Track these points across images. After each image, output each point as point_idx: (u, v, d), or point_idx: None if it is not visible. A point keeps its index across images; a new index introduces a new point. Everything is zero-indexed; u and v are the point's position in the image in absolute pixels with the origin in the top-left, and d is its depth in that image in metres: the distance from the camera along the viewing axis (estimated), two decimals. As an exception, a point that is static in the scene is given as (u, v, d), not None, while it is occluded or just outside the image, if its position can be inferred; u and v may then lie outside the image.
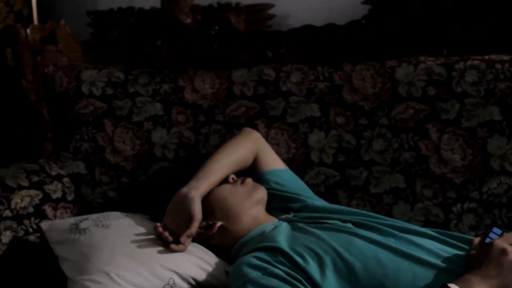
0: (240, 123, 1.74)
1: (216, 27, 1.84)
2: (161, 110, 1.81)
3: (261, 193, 1.46)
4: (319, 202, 1.55)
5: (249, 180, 1.48)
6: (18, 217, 1.63)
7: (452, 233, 1.33)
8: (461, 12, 1.67)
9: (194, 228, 1.34)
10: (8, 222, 1.60)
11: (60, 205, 1.75)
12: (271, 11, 1.86)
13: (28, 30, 1.85)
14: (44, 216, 1.69)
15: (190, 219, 1.35)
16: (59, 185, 1.77)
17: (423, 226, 1.44)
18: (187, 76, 1.82)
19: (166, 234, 1.35)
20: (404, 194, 1.62)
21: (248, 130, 1.66)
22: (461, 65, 1.61)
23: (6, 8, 2.10)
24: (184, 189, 1.40)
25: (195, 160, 1.76)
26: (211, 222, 1.41)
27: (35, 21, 2.15)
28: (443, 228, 1.46)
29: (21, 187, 1.67)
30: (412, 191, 1.61)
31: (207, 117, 1.78)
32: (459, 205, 1.57)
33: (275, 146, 1.70)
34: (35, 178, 1.72)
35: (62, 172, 1.81)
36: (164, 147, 1.79)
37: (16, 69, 1.88)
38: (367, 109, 1.66)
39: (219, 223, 1.40)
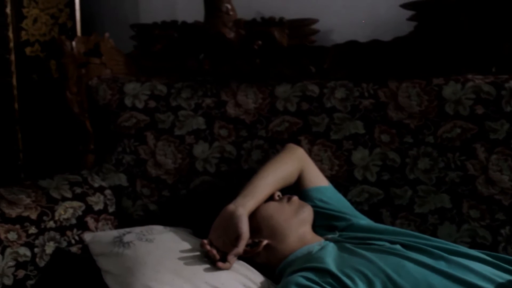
0: (283, 139, 1.73)
1: (259, 41, 1.84)
2: (203, 124, 1.81)
3: (308, 212, 1.45)
4: (364, 221, 1.53)
5: (295, 198, 1.47)
6: (61, 228, 1.65)
7: (505, 256, 1.30)
8: (510, 29, 1.64)
9: (241, 247, 1.33)
10: (52, 233, 1.62)
11: (101, 216, 1.76)
12: (315, 26, 1.85)
13: (73, 43, 1.87)
14: (86, 228, 1.71)
15: (237, 237, 1.34)
16: (101, 197, 1.78)
17: (469, 248, 1.41)
18: (230, 90, 1.82)
19: (214, 251, 1.34)
20: (450, 215, 1.59)
21: (293, 146, 1.65)
22: (511, 83, 1.58)
23: (52, 20, 2.13)
24: (231, 206, 1.39)
25: (236, 175, 1.76)
26: (257, 240, 1.40)
27: (79, 33, 2.18)
28: (490, 251, 1.43)
29: (64, 199, 1.69)
30: (458, 212, 1.58)
31: (249, 132, 1.78)
32: (507, 227, 1.53)
33: (318, 162, 1.68)
34: (78, 190, 1.74)
35: (104, 184, 1.82)
36: (205, 161, 1.79)
37: (60, 81, 1.90)
38: (413, 127, 1.64)
39: (265, 242, 1.39)
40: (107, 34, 1.94)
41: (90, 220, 1.72)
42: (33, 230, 1.57)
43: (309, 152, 1.69)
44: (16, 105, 2.02)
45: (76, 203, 1.70)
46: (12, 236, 1.52)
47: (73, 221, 1.68)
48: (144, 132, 1.84)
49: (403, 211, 1.63)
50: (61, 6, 2.16)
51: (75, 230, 1.68)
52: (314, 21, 1.85)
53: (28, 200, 1.61)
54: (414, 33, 1.71)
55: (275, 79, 1.82)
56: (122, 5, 2.31)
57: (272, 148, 1.74)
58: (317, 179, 1.61)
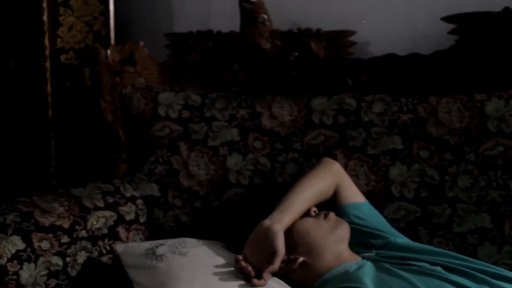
0: (319, 153, 1.70)
1: (296, 53, 1.82)
2: (237, 135, 1.79)
3: (345, 230, 1.41)
4: (401, 239, 1.49)
5: (332, 215, 1.43)
6: (93, 238, 1.64)
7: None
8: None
9: (277, 264, 1.30)
10: (84, 243, 1.61)
11: (132, 227, 1.75)
12: (352, 38, 1.82)
13: (108, 51, 1.87)
14: (117, 238, 1.70)
15: (272, 254, 1.31)
16: (133, 207, 1.77)
17: (511, 270, 1.37)
18: (265, 102, 1.80)
19: (249, 268, 1.31)
20: (491, 235, 1.54)
21: (329, 160, 1.61)
22: (556, 101, 1.53)
23: (87, 28, 2.13)
24: (267, 222, 1.36)
25: (270, 188, 1.74)
26: (292, 257, 1.37)
27: (112, 41, 2.18)
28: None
29: (97, 208, 1.68)
30: (499, 232, 1.53)
31: (284, 145, 1.75)
32: (552, 250, 1.49)
33: (354, 177, 1.64)
34: (110, 199, 1.73)
35: (136, 193, 1.80)
36: (239, 173, 1.77)
37: (94, 89, 1.90)
38: (453, 144, 1.60)
39: (301, 259, 1.36)
40: (141, 43, 1.94)
41: (121, 230, 1.71)
42: (65, 239, 1.56)
43: (345, 167, 1.66)
44: (50, 112, 2.02)
45: (108, 213, 1.69)
46: (45, 245, 1.51)
47: (105, 231, 1.67)
48: (177, 143, 1.82)
49: (441, 230, 1.58)
50: (96, 14, 2.17)
51: (106, 240, 1.67)
52: (352, 33, 1.82)
53: (61, 209, 1.60)
54: (455, 47, 1.67)
55: (311, 91, 1.80)
56: (155, 13, 2.31)
57: (307, 162, 1.71)
58: (353, 195, 1.58)
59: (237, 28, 1.89)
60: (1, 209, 1.53)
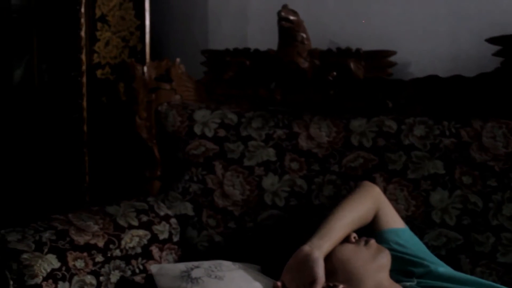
0: (357, 176, 1.67)
1: (334, 72, 1.79)
2: (273, 156, 1.76)
3: (387, 258, 1.37)
4: (443, 268, 1.45)
5: (373, 242, 1.39)
6: (127, 257, 1.62)
7: None
8: None
9: (317, 292, 1.27)
10: (118, 262, 1.60)
11: (166, 246, 1.73)
12: (392, 58, 1.78)
13: (144, 68, 1.86)
14: (151, 257, 1.68)
15: (312, 282, 1.28)
16: (167, 226, 1.75)
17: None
18: (302, 122, 1.77)
19: (288, 296, 1.28)
20: (537, 266, 1.49)
21: (368, 184, 1.57)
22: None
23: (123, 43, 2.13)
24: (306, 248, 1.33)
25: (306, 210, 1.70)
26: (331, 284, 1.33)
27: (148, 56, 2.17)
28: None
29: (131, 227, 1.66)
30: (548, 263, 1.48)
31: (321, 166, 1.72)
32: None
33: (393, 202, 1.60)
34: (144, 218, 1.71)
35: (169, 212, 1.79)
36: (275, 194, 1.74)
37: (129, 105, 1.89)
38: (498, 170, 1.55)
39: (340, 286, 1.32)
40: (178, 60, 1.93)
41: (154, 249, 1.70)
42: (99, 258, 1.55)
43: (384, 191, 1.61)
44: (85, 127, 2.02)
45: (142, 232, 1.68)
46: (79, 264, 1.50)
47: (138, 250, 1.65)
48: (213, 161, 1.80)
49: (484, 259, 1.53)
50: (132, 29, 2.16)
51: (140, 259, 1.65)
52: (392, 53, 1.78)
53: (96, 227, 1.59)
54: (500, 69, 1.63)
55: (350, 112, 1.76)
56: (191, 29, 2.30)
57: (345, 184, 1.68)
58: (393, 221, 1.54)
59: (273, 46, 1.87)
60: (37, 226, 1.52)
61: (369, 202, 1.51)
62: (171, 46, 2.33)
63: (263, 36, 2.05)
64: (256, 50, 1.90)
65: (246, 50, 1.91)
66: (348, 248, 1.38)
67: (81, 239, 1.53)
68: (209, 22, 2.26)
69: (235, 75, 1.91)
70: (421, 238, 1.57)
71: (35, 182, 2.20)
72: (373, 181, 1.63)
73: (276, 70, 1.85)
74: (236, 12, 2.19)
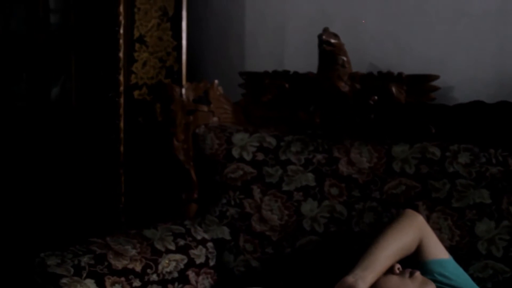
0: (399, 203, 1.63)
1: (375, 97, 1.75)
2: (313, 181, 1.73)
3: (433, 291, 1.33)
4: (490, 302, 1.40)
5: (418, 274, 1.35)
6: (164, 282, 1.61)
7: None
8: None
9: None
10: (155, 286, 1.59)
11: (202, 270, 1.72)
12: (435, 83, 1.74)
13: (183, 89, 1.85)
14: (187, 282, 1.67)
15: (357, 315, 1.24)
16: (203, 250, 1.73)
17: None
18: (342, 147, 1.74)
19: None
20: None
21: (412, 213, 1.53)
22: None
23: (160, 63, 2.13)
24: (350, 279, 1.29)
25: (346, 237, 1.67)
26: (376, 317, 1.30)
27: (184, 77, 2.16)
28: None
29: (168, 251, 1.65)
30: None
31: (362, 193, 1.68)
32: None
33: (437, 231, 1.55)
34: (181, 242, 1.70)
35: (206, 236, 1.77)
36: (314, 220, 1.71)
37: (167, 127, 1.88)
38: (548, 201, 1.50)
39: (385, 320, 1.29)
40: (216, 82, 1.91)
41: (191, 274, 1.68)
42: (137, 283, 1.54)
43: (428, 219, 1.57)
44: (121, 148, 2.02)
45: (179, 256, 1.66)
46: (117, 288, 1.49)
47: (175, 274, 1.64)
48: (251, 185, 1.78)
49: (534, 294, 1.48)
50: (169, 50, 2.16)
51: (176, 284, 1.64)
52: (435, 77, 1.74)
53: (133, 252, 1.58)
54: (549, 96, 1.58)
55: (390, 137, 1.73)
56: (227, 50, 2.29)
57: (386, 212, 1.64)
58: (437, 251, 1.49)
59: (311, 68, 1.84)
60: (76, 250, 1.52)
61: (413, 231, 1.48)
62: (207, 66, 2.32)
63: (300, 58, 2.03)
64: (296, 73, 1.88)
65: (286, 72, 1.88)
66: (393, 280, 1.35)
67: (119, 264, 1.52)
68: (246, 42, 2.24)
69: (273, 97, 1.89)
70: (466, 269, 1.52)
71: (72, 202, 2.20)
72: (416, 209, 1.59)
73: (315, 93, 1.82)
74: (273, 33, 2.18)
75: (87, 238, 1.62)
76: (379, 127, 1.76)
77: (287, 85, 1.87)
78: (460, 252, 1.55)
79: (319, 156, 1.75)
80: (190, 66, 2.23)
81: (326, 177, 1.73)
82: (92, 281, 1.45)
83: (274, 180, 1.77)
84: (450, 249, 1.54)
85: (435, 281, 1.40)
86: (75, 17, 2.21)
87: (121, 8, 2.01)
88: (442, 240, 1.54)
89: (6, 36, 2.48)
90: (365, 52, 1.92)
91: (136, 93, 2.08)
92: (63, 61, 2.25)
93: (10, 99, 2.41)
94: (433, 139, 1.68)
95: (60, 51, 2.27)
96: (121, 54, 2.01)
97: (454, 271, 1.47)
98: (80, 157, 2.17)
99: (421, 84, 1.75)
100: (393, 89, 1.74)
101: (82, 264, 1.47)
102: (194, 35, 2.28)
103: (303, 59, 1.97)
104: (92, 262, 1.49)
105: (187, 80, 2.14)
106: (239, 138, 1.83)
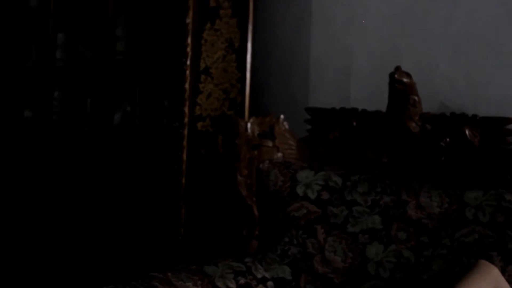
0: (471, 252, 1.55)
1: (447, 138, 1.69)
2: (379, 223, 1.68)
3: None
4: None
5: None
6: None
7: None
8: None
9: None
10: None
11: (261, 309, 1.67)
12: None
13: (248, 124, 1.83)
14: (247, 320, 1.63)
15: None
16: (263, 289, 1.69)
17: None
18: (411, 189, 1.68)
19: None
20: None
21: (486, 264, 1.46)
22: None
23: (224, 95, 2.12)
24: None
25: (413, 284, 1.60)
26: None
27: (247, 109, 2.15)
28: None
29: (228, 289, 1.62)
30: None
31: (431, 239, 1.61)
32: None
33: (512, 284, 1.48)
34: (242, 280, 1.66)
35: (267, 275, 1.72)
36: (379, 264, 1.65)
37: (230, 161, 1.85)
38: None
39: None
40: (282, 117, 1.89)
41: (250, 313, 1.64)
42: (198, 321, 1.51)
43: (503, 272, 1.49)
44: (183, 180, 2.01)
45: (239, 294, 1.63)
46: (177, 327, 1.46)
47: (235, 313, 1.60)
48: (314, 225, 1.73)
49: None
50: (233, 81, 2.16)
51: (235, 322, 1.60)
52: (511, 120, 1.67)
53: (194, 289, 1.55)
54: None
55: (462, 181, 1.66)
56: (291, 84, 2.26)
57: (457, 261, 1.56)
58: (514, 306, 1.41)
59: (377, 106, 1.80)
60: (138, 285, 1.49)
61: (488, 284, 1.40)
62: (269, 99, 2.30)
63: (366, 96, 1.99)
64: (364, 111, 1.83)
65: (354, 110, 1.85)
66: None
67: (180, 300, 1.50)
68: (310, 77, 2.21)
69: (340, 135, 1.85)
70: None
71: (131, 229, 2.20)
72: (490, 260, 1.51)
73: (384, 132, 1.77)
74: (339, 69, 2.14)
75: (145, 267, 1.61)
76: (450, 171, 1.69)
77: (354, 123, 1.83)
78: (538, 308, 1.46)
79: (386, 198, 1.69)
80: (253, 98, 2.21)
81: (394, 220, 1.67)
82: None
83: (339, 220, 1.72)
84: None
85: None
86: (141, 46, 2.24)
87: (189, 40, 2.03)
88: (519, 294, 1.46)
89: (74, 60, 2.52)
90: (436, 91, 1.87)
91: (199, 124, 2.08)
92: (128, 89, 2.28)
93: (77, 124, 2.44)
94: (509, 186, 1.60)
95: (125, 79, 2.29)
96: (187, 85, 2.02)
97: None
98: (141, 185, 2.17)
99: (496, 127, 1.68)
100: (467, 132, 1.68)
101: (146, 300, 1.45)
102: (258, 67, 2.26)
103: (369, 97, 1.94)
104: (153, 298, 1.47)
105: (249, 112, 2.13)
106: (304, 175, 1.80)
